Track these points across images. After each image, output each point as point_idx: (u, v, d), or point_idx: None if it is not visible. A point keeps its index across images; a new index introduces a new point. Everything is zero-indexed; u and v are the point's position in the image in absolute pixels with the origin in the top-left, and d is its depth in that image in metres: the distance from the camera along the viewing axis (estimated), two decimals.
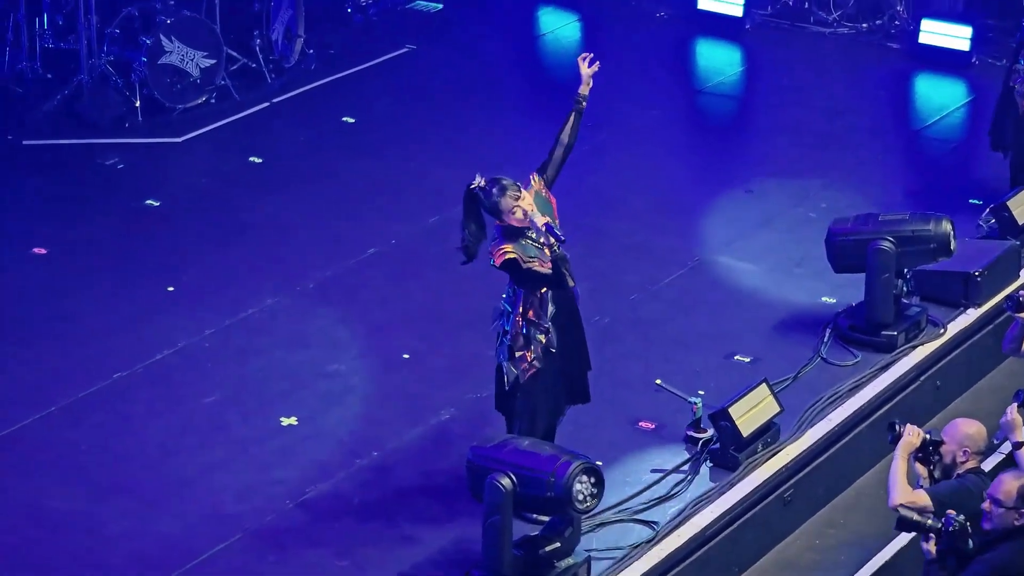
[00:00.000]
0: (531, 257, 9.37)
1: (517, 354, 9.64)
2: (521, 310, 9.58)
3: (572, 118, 9.68)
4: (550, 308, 9.59)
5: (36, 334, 11.90)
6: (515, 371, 9.64)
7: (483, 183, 9.42)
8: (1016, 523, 7.97)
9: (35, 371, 11.42)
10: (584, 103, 9.76)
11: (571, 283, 9.49)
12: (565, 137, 9.65)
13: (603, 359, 10.79)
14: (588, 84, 9.81)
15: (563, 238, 9.34)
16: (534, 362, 9.62)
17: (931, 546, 8.25)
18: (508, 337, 9.65)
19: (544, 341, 9.60)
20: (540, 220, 9.32)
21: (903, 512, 8.28)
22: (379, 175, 14.12)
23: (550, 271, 9.41)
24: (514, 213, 9.33)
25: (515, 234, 9.37)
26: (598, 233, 12.42)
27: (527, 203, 9.37)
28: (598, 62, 9.81)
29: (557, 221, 9.45)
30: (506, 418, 9.83)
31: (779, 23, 17.40)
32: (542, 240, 9.39)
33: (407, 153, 14.50)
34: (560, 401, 9.84)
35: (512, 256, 9.35)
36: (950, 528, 7.94)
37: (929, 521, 8.15)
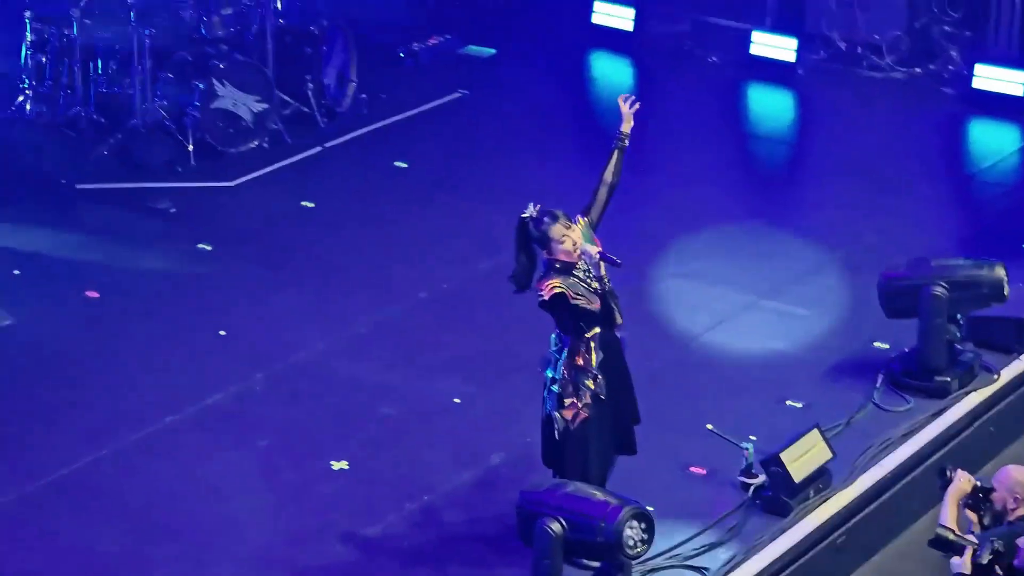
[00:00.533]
0: (578, 295, 9.34)
1: (567, 402, 9.57)
2: (568, 356, 9.52)
3: (615, 156, 9.66)
4: (599, 354, 9.56)
5: (88, 377, 11.97)
6: (565, 420, 9.59)
7: (535, 212, 9.42)
8: None
9: (87, 414, 11.47)
10: (626, 141, 9.73)
11: (619, 320, 9.46)
12: (608, 176, 9.62)
13: (653, 403, 10.76)
14: (629, 123, 9.77)
15: (619, 261, 9.36)
16: (583, 409, 9.55)
17: (966, 559, 8.30)
18: (556, 385, 9.58)
19: (593, 387, 9.53)
20: (592, 249, 9.31)
21: (940, 532, 8.32)
22: (430, 219, 14.17)
23: (598, 309, 9.40)
24: (563, 243, 9.31)
25: (563, 270, 9.34)
26: (650, 277, 12.42)
27: (576, 235, 9.35)
28: (638, 102, 9.78)
29: (604, 271, 9.45)
30: (555, 473, 9.74)
31: (832, 67, 17.40)
32: (593, 274, 9.34)
33: (458, 198, 14.55)
34: (610, 451, 9.79)
35: (561, 290, 9.29)
36: (989, 549, 8.00)
37: (969, 537, 8.24)
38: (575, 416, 9.57)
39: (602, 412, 9.61)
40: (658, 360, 11.71)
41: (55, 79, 15.63)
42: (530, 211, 9.47)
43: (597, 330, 9.55)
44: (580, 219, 9.53)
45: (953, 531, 8.37)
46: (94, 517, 10.34)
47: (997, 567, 8.08)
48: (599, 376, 9.54)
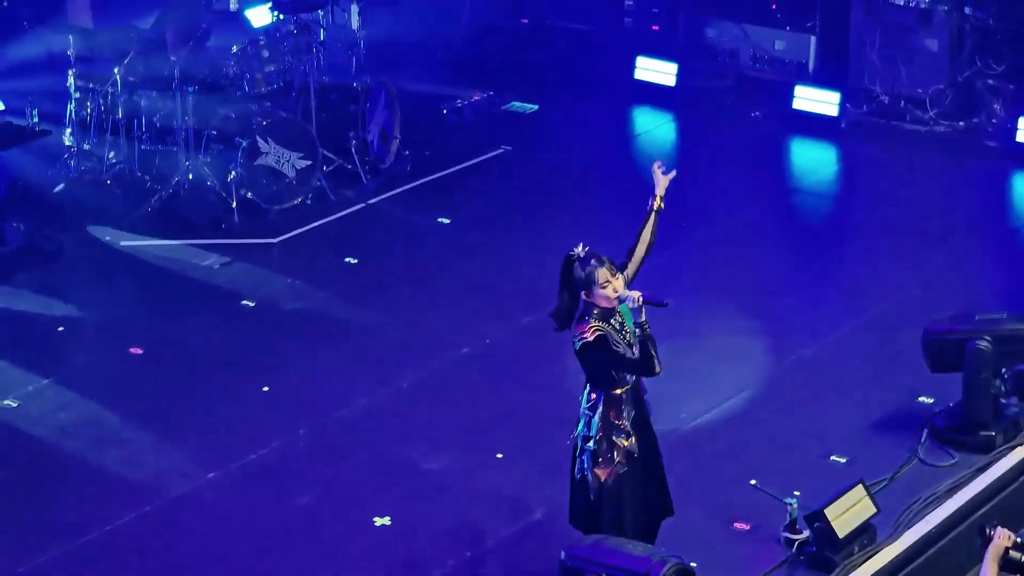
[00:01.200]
0: (617, 342, 9.38)
1: (600, 460, 9.55)
2: (602, 412, 9.49)
3: (650, 219, 9.69)
4: (631, 410, 9.53)
5: (132, 433, 11.99)
6: (599, 480, 9.55)
7: (583, 252, 9.42)
8: None
9: (130, 469, 11.50)
10: (661, 204, 9.73)
11: (658, 369, 9.38)
12: (646, 235, 9.67)
13: (698, 458, 10.96)
14: (663, 187, 9.77)
15: (667, 302, 9.36)
16: (618, 467, 9.53)
17: None
18: (592, 442, 9.54)
19: (627, 445, 9.50)
20: (635, 293, 9.32)
21: (1012, 554, 8.32)
22: (473, 275, 14.24)
23: (637, 357, 9.43)
24: (605, 288, 9.28)
25: (602, 316, 9.33)
26: (694, 332, 12.42)
27: (619, 283, 9.35)
28: (674, 171, 9.80)
29: (643, 317, 9.46)
30: (586, 533, 9.68)
31: (875, 121, 17.43)
32: (633, 320, 9.37)
33: (501, 253, 14.62)
34: (645, 511, 9.75)
35: (602, 333, 9.30)
36: None
37: None
38: (609, 475, 9.55)
39: (635, 471, 9.58)
40: (702, 414, 11.74)
41: (100, 137, 15.73)
42: (579, 251, 9.46)
43: (628, 386, 9.55)
44: (618, 276, 9.54)
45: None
46: (138, 574, 10.41)
47: None
48: (632, 435, 9.52)
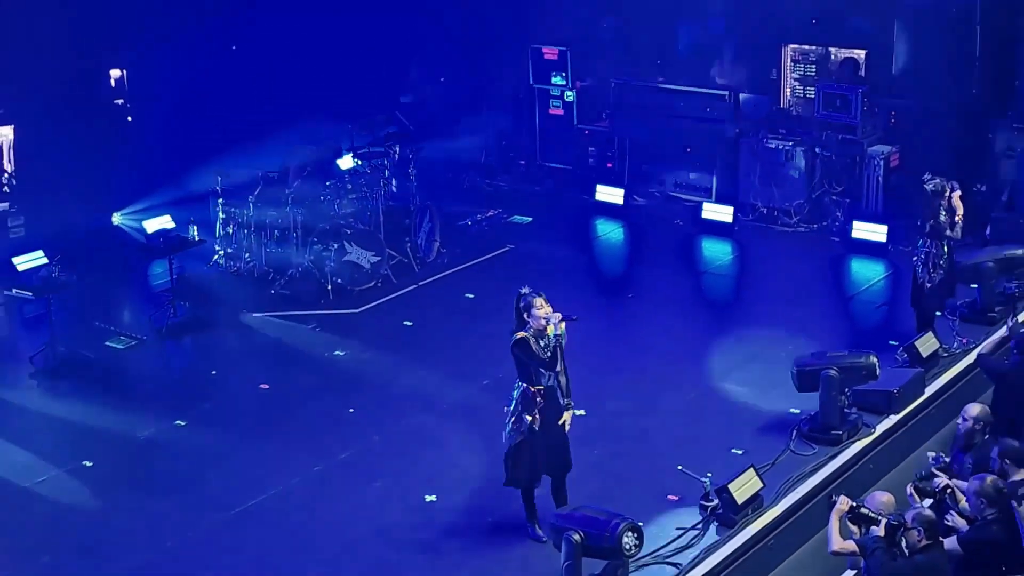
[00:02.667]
0: (536, 347, 9.58)
1: (511, 423, 9.78)
2: (520, 396, 9.72)
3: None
4: (541, 402, 9.68)
5: (264, 438, 12.02)
6: (506, 436, 9.82)
7: (527, 290, 9.72)
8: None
9: (264, 461, 11.54)
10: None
11: (558, 368, 9.67)
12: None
13: (643, 453, 10.95)
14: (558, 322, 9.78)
15: (575, 317, 9.70)
16: (521, 433, 9.73)
17: (835, 539, 8.66)
18: (509, 416, 9.78)
19: (530, 420, 9.69)
20: (556, 315, 9.57)
21: (861, 511, 8.56)
22: (491, 333, 13.84)
23: (547, 358, 9.59)
24: (539, 310, 9.56)
25: (535, 333, 9.61)
26: (636, 370, 12.36)
27: (549, 310, 9.60)
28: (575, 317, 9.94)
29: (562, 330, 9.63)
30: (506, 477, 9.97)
31: (757, 225, 17.36)
32: (553, 335, 9.58)
33: (509, 318, 14.42)
34: (538, 471, 9.91)
35: (525, 337, 9.58)
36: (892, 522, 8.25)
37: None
38: (514, 433, 9.76)
39: (535, 441, 9.74)
40: (647, 427, 11.72)
41: (239, 243, 15.86)
42: (525, 289, 9.76)
43: (543, 387, 9.67)
44: (548, 305, 9.70)
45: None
46: (269, 538, 10.43)
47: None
48: (537, 416, 9.68)
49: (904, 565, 8.14)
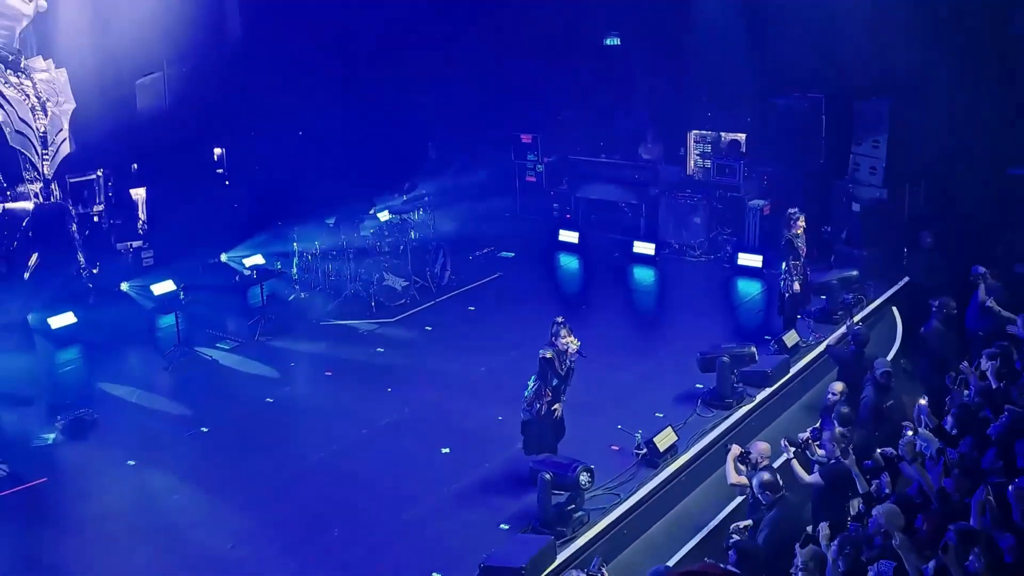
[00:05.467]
0: (557, 364, 9.58)
1: (525, 406, 9.77)
2: (535, 388, 9.68)
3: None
4: (552, 396, 9.69)
5: (326, 410, 11.92)
6: (523, 415, 9.80)
7: (560, 319, 9.70)
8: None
9: (326, 426, 11.41)
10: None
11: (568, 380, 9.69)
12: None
13: (594, 418, 10.91)
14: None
15: (585, 354, 9.68)
16: (534, 416, 9.71)
17: (731, 474, 8.70)
18: (526, 403, 9.76)
19: (540, 406, 9.70)
20: (575, 346, 9.60)
21: (749, 457, 8.54)
22: (487, 331, 14.22)
23: (562, 373, 9.61)
24: (564, 338, 9.57)
25: (557, 352, 9.58)
26: (588, 360, 12.06)
27: (572, 339, 9.58)
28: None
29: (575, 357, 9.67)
30: (525, 446, 9.88)
31: (672, 256, 17.23)
32: (570, 358, 9.56)
33: (501, 321, 14.50)
34: (549, 440, 9.83)
35: (551, 357, 9.57)
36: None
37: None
38: (531, 414, 9.73)
39: (542, 423, 9.74)
40: (597, 397, 11.58)
41: (311, 274, 15.81)
42: (559, 318, 9.73)
43: (552, 388, 9.70)
44: (571, 335, 9.71)
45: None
46: (333, 480, 10.38)
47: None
48: (545, 405, 9.69)
49: (772, 517, 8.04)
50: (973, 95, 15.18)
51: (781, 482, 8.09)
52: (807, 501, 8.61)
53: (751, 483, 8.26)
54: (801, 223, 12.96)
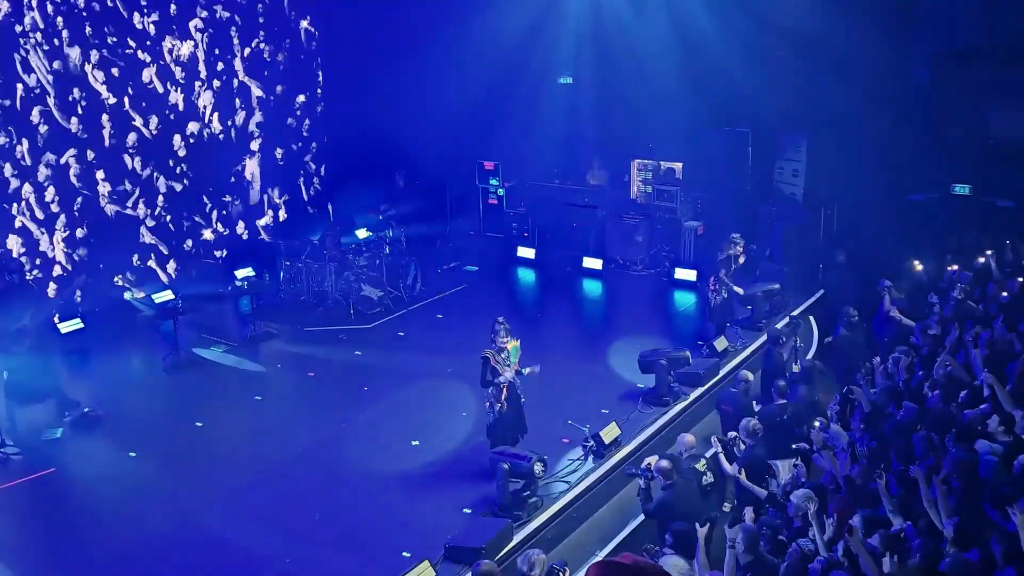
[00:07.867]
0: (496, 362, 9.44)
1: (487, 405, 9.67)
2: (494, 389, 9.57)
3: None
4: (507, 392, 9.58)
5: (313, 399, 11.85)
6: (491, 417, 9.67)
7: (501, 319, 9.56)
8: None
9: (321, 412, 11.35)
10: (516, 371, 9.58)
11: (506, 377, 9.43)
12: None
13: (547, 414, 10.77)
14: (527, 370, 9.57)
15: (526, 373, 9.51)
16: (496, 413, 9.60)
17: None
18: (487, 402, 9.65)
19: (499, 404, 9.60)
20: (509, 373, 9.44)
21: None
22: (453, 336, 14.08)
23: (495, 367, 9.47)
24: (501, 338, 9.42)
25: (496, 350, 9.47)
26: (544, 361, 11.71)
27: (508, 338, 9.45)
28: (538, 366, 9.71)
29: (519, 354, 9.46)
30: (491, 442, 9.77)
31: (617, 270, 17.18)
32: (506, 360, 9.44)
33: (466, 328, 14.19)
34: (509, 435, 9.74)
35: (488, 356, 9.44)
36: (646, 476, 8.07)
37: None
38: (493, 415, 9.60)
39: (503, 418, 9.61)
40: (550, 395, 11.45)
41: (297, 282, 15.71)
42: (500, 319, 9.59)
43: (506, 380, 9.48)
44: (509, 335, 9.58)
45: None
46: (313, 469, 10.35)
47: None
48: (504, 403, 9.59)
49: (661, 499, 7.94)
50: (879, 131, 15.69)
51: (675, 471, 8.00)
52: (693, 487, 8.45)
53: (658, 465, 8.08)
54: (741, 248, 13.06)
